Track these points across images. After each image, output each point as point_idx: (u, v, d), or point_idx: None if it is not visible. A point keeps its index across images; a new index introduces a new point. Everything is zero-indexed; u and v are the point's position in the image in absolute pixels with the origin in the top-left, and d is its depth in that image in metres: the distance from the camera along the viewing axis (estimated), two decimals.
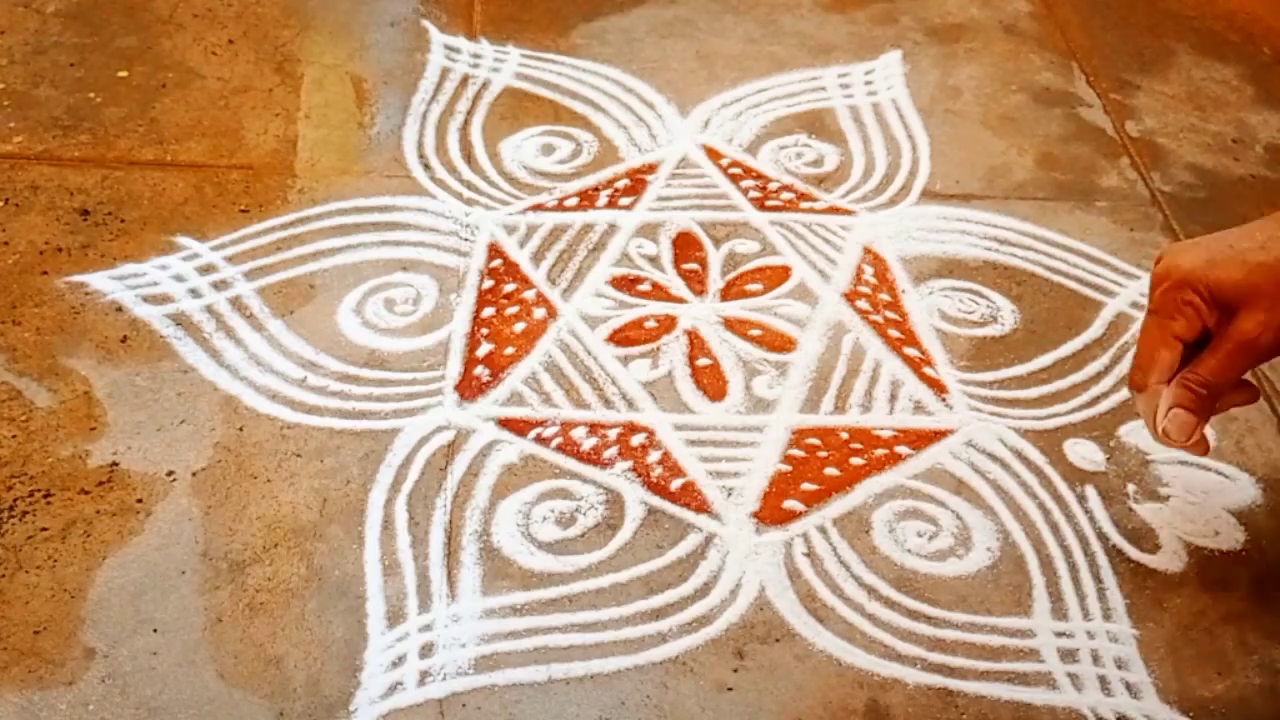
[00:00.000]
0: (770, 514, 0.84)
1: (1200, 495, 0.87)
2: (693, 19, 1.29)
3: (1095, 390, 0.94)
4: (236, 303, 0.96)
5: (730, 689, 0.74)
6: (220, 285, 0.97)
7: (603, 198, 1.08)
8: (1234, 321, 0.71)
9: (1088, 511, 0.85)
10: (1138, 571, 0.82)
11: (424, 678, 0.73)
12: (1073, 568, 0.82)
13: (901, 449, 0.89)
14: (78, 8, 1.23)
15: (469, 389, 0.91)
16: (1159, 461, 0.89)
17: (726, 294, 1.00)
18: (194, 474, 0.83)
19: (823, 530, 0.83)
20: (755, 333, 0.97)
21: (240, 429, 0.86)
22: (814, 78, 1.23)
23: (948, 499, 0.86)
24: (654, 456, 0.87)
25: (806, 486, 0.85)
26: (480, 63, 1.22)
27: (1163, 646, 0.78)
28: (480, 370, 0.92)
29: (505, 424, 0.88)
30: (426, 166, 1.09)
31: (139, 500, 0.82)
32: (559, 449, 0.87)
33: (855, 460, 0.87)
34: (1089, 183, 1.13)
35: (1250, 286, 0.70)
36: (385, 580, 0.78)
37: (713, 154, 1.13)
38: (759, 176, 1.11)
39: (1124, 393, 0.94)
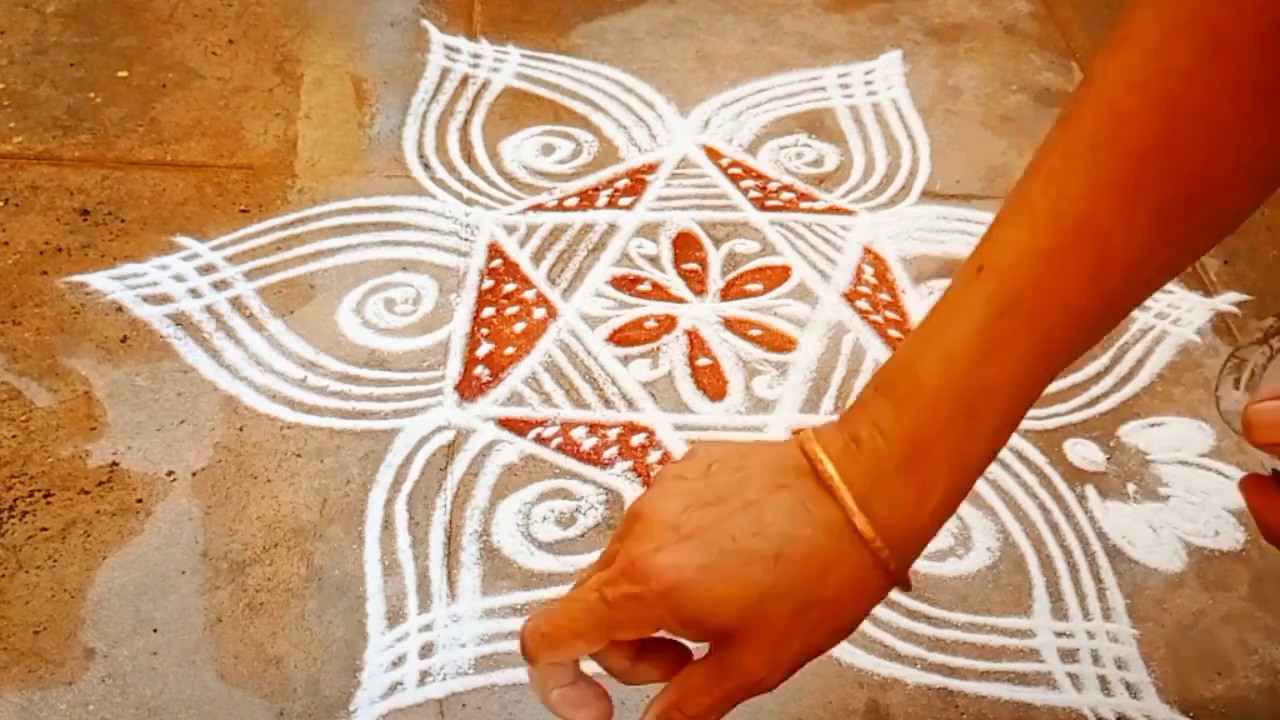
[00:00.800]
0: None
1: (1200, 495, 0.87)
2: (693, 19, 1.29)
3: (1095, 390, 0.94)
4: (236, 303, 0.96)
5: None
6: (220, 285, 0.97)
7: (603, 198, 1.08)
8: (729, 652, 0.47)
9: (1088, 511, 0.85)
10: (1138, 571, 0.82)
11: (424, 678, 0.73)
12: (1073, 568, 0.82)
13: None
14: (78, 8, 1.23)
15: (469, 389, 0.91)
16: (1159, 461, 0.89)
17: (726, 294, 1.00)
18: (194, 474, 0.83)
19: None
20: (755, 333, 0.97)
21: (240, 429, 0.86)
22: (814, 78, 1.23)
23: None
24: (654, 456, 0.87)
25: None
26: (480, 63, 1.22)
27: (1163, 646, 0.78)
28: (480, 370, 0.92)
29: (505, 424, 0.88)
30: (426, 166, 1.09)
31: (139, 500, 0.82)
32: (559, 449, 0.87)
33: None
34: None
35: (752, 614, 0.46)
36: (385, 580, 0.78)
37: (713, 154, 1.13)
38: (759, 176, 1.11)
39: (1124, 393, 0.94)
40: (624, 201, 1.07)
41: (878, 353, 0.95)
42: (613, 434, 0.88)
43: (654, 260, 1.02)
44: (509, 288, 0.99)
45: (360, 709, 0.72)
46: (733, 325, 0.97)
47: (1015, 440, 0.89)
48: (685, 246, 1.04)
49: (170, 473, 0.83)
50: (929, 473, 0.44)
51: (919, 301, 1.00)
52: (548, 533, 0.82)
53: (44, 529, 0.79)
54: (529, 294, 0.98)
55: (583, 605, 0.47)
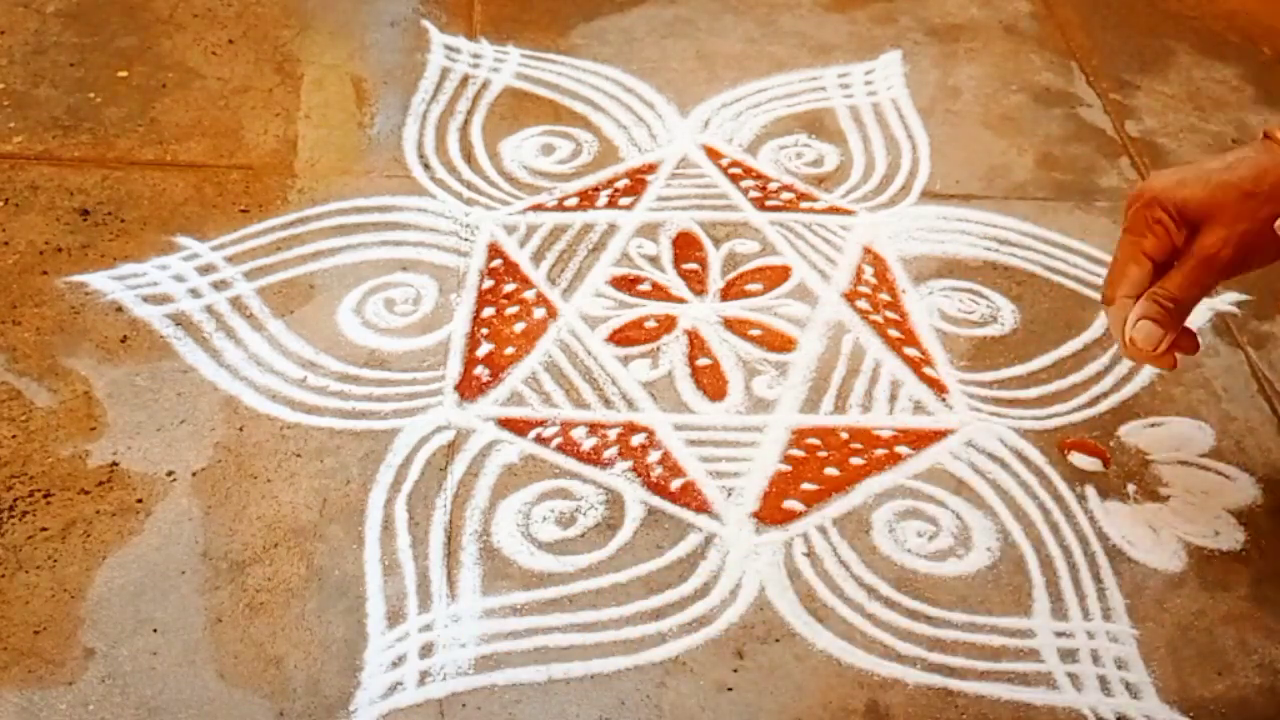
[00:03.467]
0: (770, 514, 0.84)
1: (1200, 495, 0.87)
2: (693, 19, 1.29)
3: (1095, 390, 0.94)
4: (236, 303, 0.96)
5: (730, 689, 0.74)
6: (220, 285, 0.97)
7: (603, 198, 1.08)
8: (1198, 238, 0.74)
9: (1088, 511, 0.85)
10: (1138, 571, 0.82)
11: (424, 678, 0.73)
12: (1073, 568, 0.82)
13: (901, 449, 0.89)
14: (78, 8, 1.23)
15: (469, 389, 0.91)
16: (1159, 462, 0.89)
17: (726, 294, 1.00)
18: (194, 474, 0.83)
19: (823, 530, 0.83)
20: (755, 333, 0.97)
21: (240, 429, 0.86)
22: (814, 78, 1.23)
23: (948, 499, 0.86)
24: (654, 456, 0.87)
25: (806, 486, 0.85)
26: (480, 63, 1.22)
27: (1163, 646, 0.78)
28: (480, 370, 0.92)
29: (505, 424, 0.88)
30: (426, 166, 1.09)
31: (139, 500, 0.82)
32: (559, 449, 0.87)
33: (855, 460, 0.87)
34: (1089, 183, 1.13)
35: (1213, 203, 0.73)
36: (385, 580, 0.78)
37: (713, 154, 1.13)
38: (759, 176, 1.11)
39: (1124, 393, 0.94)
40: (624, 201, 1.07)
41: (878, 353, 0.95)
42: (613, 434, 0.88)
43: (654, 260, 1.02)
44: (509, 288, 0.99)
45: (360, 709, 0.72)
46: (733, 325, 0.97)
47: (1015, 440, 0.89)
48: (685, 246, 1.04)
49: (170, 473, 0.83)
50: None
51: (919, 301, 1.00)
52: (548, 533, 0.82)
53: (44, 529, 0.80)
54: (529, 294, 0.98)
55: (1117, 245, 0.77)
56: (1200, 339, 0.98)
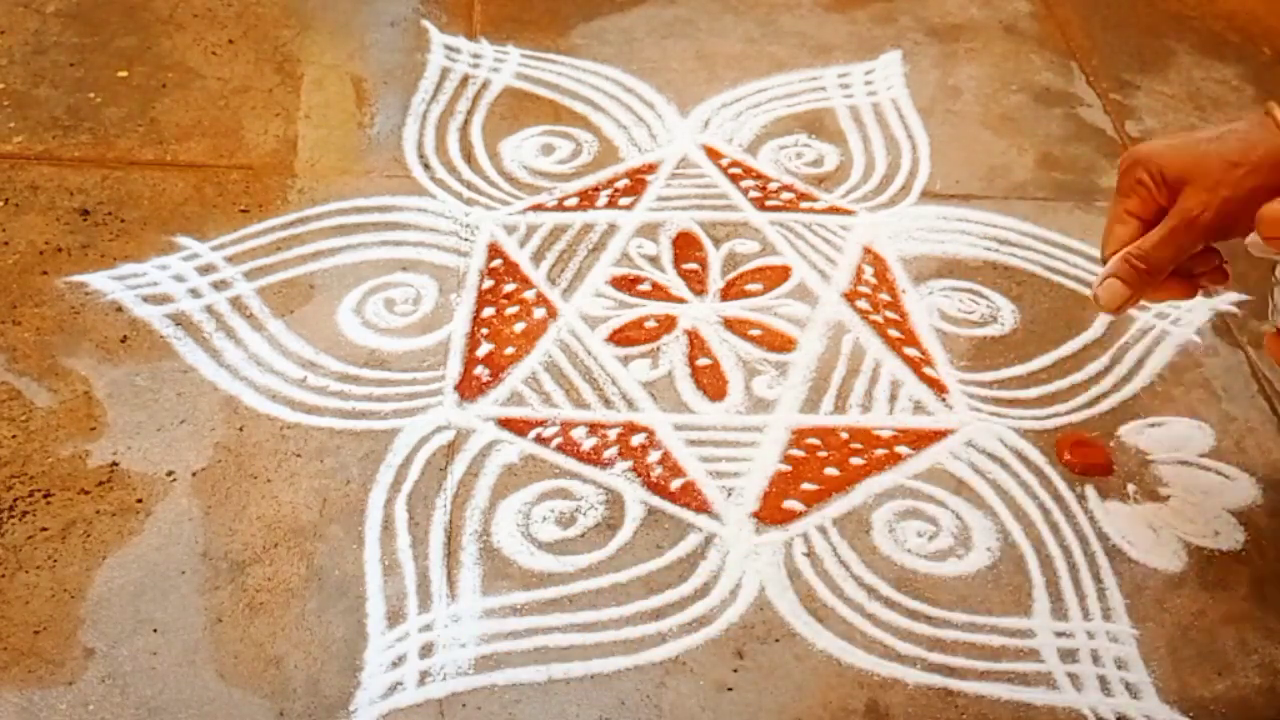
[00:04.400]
0: (770, 514, 0.84)
1: (1200, 495, 0.87)
2: (693, 19, 1.29)
3: (1095, 390, 0.94)
4: (236, 303, 0.96)
5: (730, 689, 0.74)
6: (220, 285, 0.97)
7: (603, 198, 1.08)
8: (1178, 200, 0.76)
9: (1088, 511, 0.85)
10: (1138, 571, 0.82)
11: (424, 678, 0.73)
12: (1073, 568, 0.82)
13: (901, 449, 0.89)
14: (78, 8, 1.23)
15: (469, 389, 0.91)
16: (1159, 462, 0.89)
17: (726, 294, 1.00)
18: (194, 474, 0.83)
19: (823, 530, 0.83)
20: (755, 333, 0.97)
21: (240, 429, 0.86)
22: (814, 78, 1.23)
23: (948, 499, 0.86)
24: (654, 456, 0.87)
25: (806, 486, 0.85)
26: (480, 63, 1.22)
27: (1163, 646, 0.78)
28: (480, 370, 0.92)
29: (505, 424, 0.88)
30: (426, 166, 1.09)
31: (139, 500, 0.82)
32: (559, 449, 0.87)
33: (855, 460, 0.87)
34: (1089, 183, 1.13)
35: (1196, 168, 0.75)
36: (385, 580, 0.78)
37: (713, 154, 1.13)
38: (759, 176, 1.11)
39: (1124, 393, 0.94)
40: (624, 201, 1.07)
41: (877, 353, 0.95)
42: (613, 434, 0.88)
43: (654, 260, 1.02)
44: (509, 288, 0.99)
45: (360, 709, 0.72)
46: (733, 325, 0.97)
47: (1015, 440, 0.89)
48: (685, 246, 1.04)
49: (170, 473, 0.83)
50: None
51: (919, 301, 1.00)
52: (548, 533, 0.82)
53: (44, 529, 0.80)
54: (529, 294, 0.98)
55: (1110, 208, 0.77)
56: (1200, 338, 0.99)
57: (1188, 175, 0.75)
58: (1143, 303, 0.78)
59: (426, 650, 0.75)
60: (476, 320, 0.96)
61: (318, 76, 1.18)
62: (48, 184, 1.04)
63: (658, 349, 0.95)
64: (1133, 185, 0.77)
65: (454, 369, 0.92)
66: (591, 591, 0.79)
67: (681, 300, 0.99)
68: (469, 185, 1.08)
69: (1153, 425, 0.92)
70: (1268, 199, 0.72)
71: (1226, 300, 1.02)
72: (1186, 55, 1.30)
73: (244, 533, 0.80)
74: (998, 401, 0.93)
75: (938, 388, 0.93)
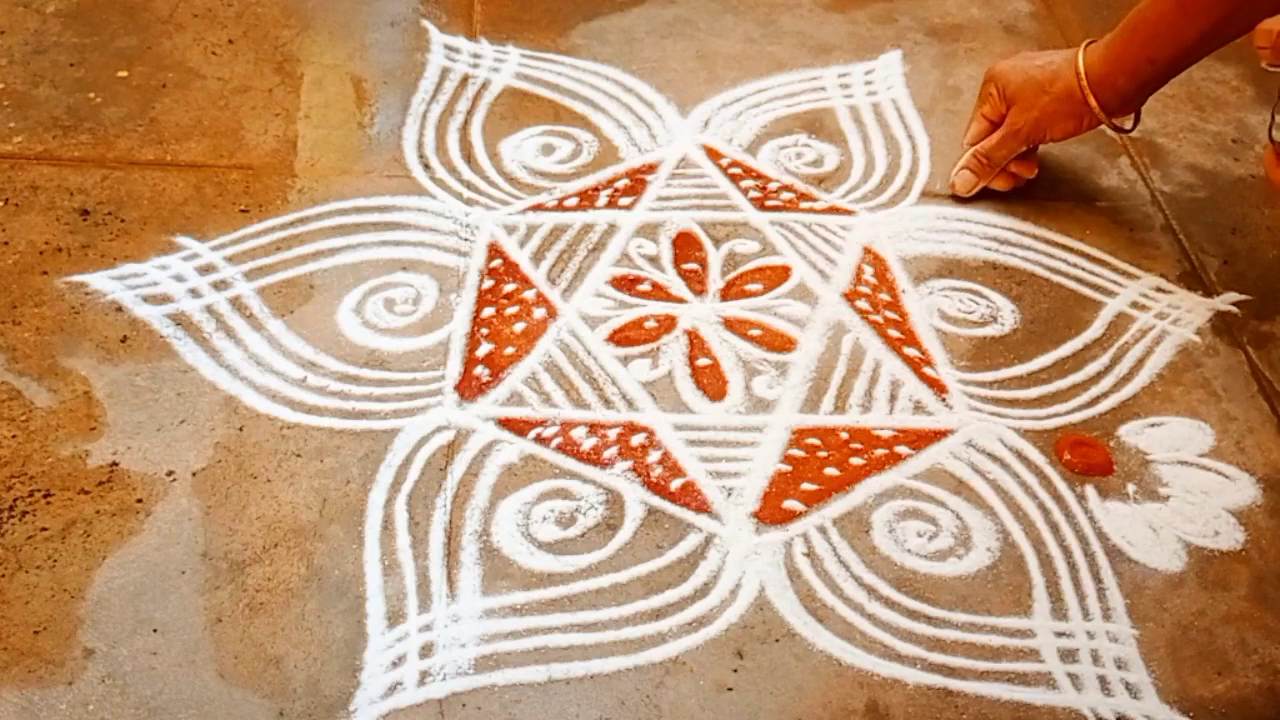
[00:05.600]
0: (770, 514, 0.84)
1: (1200, 495, 0.87)
2: (693, 19, 1.29)
3: (1095, 390, 0.94)
4: (236, 303, 0.96)
5: (730, 689, 0.74)
6: (220, 285, 0.97)
7: (603, 198, 1.08)
8: (1009, 112, 1.03)
9: (1088, 511, 0.85)
10: (1138, 571, 0.82)
11: (424, 678, 0.73)
12: (1073, 568, 0.82)
13: (901, 449, 0.89)
14: (78, 8, 1.23)
15: (469, 389, 0.91)
16: (1159, 462, 0.89)
17: (726, 294, 1.00)
18: (194, 474, 0.83)
19: (823, 530, 0.83)
20: (755, 333, 0.97)
21: (240, 429, 0.86)
22: (814, 78, 1.23)
23: (948, 499, 0.86)
24: (654, 456, 0.87)
25: (806, 486, 0.85)
26: (480, 63, 1.22)
27: (1163, 646, 0.78)
28: (480, 370, 0.92)
29: (505, 424, 0.88)
30: (426, 166, 1.09)
31: (139, 500, 0.82)
32: (559, 449, 0.87)
33: (855, 460, 0.87)
34: (1089, 183, 1.13)
35: (1019, 90, 1.02)
36: (385, 580, 0.78)
37: (713, 154, 1.13)
38: (759, 176, 1.11)
39: (1124, 393, 0.94)
40: (624, 201, 1.07)
41: (878, 353, 0.95)
42: (613, 434, 0.88)
43: (654, 260, 1.02)
44: (509, 288, 0.99)
45: (360, 709, 0.72)
46: (733, 325, 0.97)
47: (1015, 440, 0.89)
48: (685, 246, 1.04)
49: (170, 473, 0.83)
50: (1121, 59, 0.96)
51: (919, 301, 1.00)
52: (548, 533, 0.82)
53: (44, 529, 0.80)
54: (529, 294, 0.98)
55: (973, 109, 1.08)
56: (1200, 338, 0.99)
57: (1016, 96, 1.02)
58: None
59: (426, 650, 0.75)
60: (476, 320, 0.96)
61: (318, 76, 1.18)
62: (48, 184, 1.04)
63: (658, 349, 0.95)
64: (986, 95, 1.06)
65: (454, 369, 0.92)
66: (591, 591, 0.79)
67: (681, 300, 0.99)
68: (469, 185, 1.08)
69: (1153, 425, 0.92)
70: (1066, 119, 1.00)
71: (1226, 300, 1.02)
72: None
73: (244, 533, 0.80)
74: (998, 401, 0.93)
75: (938, 388, 0.93)
